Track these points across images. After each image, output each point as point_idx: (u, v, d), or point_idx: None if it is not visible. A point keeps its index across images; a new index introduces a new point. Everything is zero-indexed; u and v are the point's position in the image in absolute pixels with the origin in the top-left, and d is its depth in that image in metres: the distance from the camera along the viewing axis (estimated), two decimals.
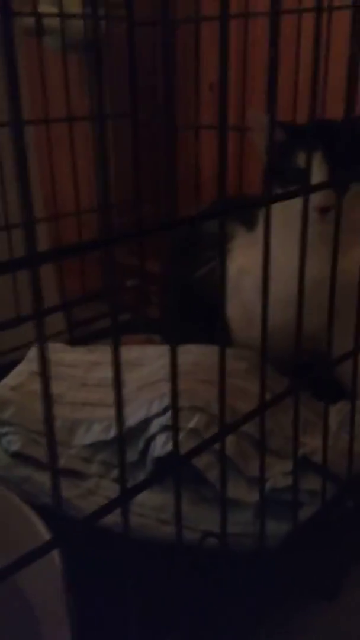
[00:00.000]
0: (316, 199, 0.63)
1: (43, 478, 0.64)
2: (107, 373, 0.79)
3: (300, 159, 0.68)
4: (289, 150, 0.68)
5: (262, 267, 0.41)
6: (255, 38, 0.90)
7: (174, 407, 0.34)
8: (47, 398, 0.28)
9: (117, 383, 0.30)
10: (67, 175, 0.96)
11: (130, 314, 1.14)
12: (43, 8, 0.94)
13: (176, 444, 0.36)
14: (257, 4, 0.88)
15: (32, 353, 0.81)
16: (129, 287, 1.12)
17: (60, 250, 0.27)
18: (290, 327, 0.54)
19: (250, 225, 0.81)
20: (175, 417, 0.35)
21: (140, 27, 0.93)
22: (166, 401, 0.63)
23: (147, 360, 0.77)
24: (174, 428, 0.36)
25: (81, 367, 0.78)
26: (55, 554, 0.50)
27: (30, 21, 0.91)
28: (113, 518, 0.58)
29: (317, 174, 0.65)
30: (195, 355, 0.73)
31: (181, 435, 0.59)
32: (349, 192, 0.64)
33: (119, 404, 0.31)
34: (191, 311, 0.83)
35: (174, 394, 0.34)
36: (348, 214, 0.48)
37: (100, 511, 0.33)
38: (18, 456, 0.66)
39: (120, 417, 0.31)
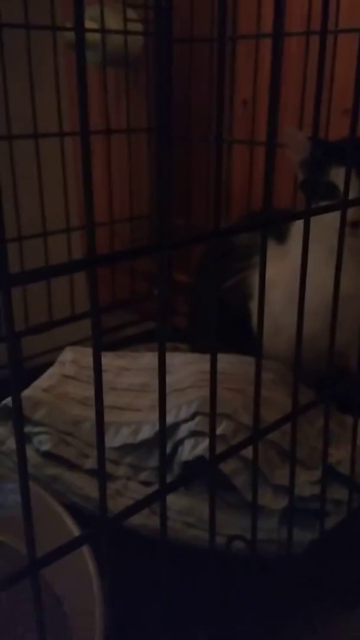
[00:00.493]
0: (350, 213, 0.64)
1: (72, 478, 0.66)
2: (136, 378, 0.81)
3: (333, 175, 0.69)
4: (321, 166, 0.70)
5: (300, 280, 0.42)
6: (289, 55, 0.92)
7: (212, 409, 0.36)
8: (99, 401, 0.29)
9: (162, 386, 0.32)
10: (102, 186, 0.99)
11: (155, 322, 1.16)
12: (85, 23, 0.97)
13: (213, 447, 0.38)
14: (291, 24, 0.90)
15: (64, 356, 0.84)
16: (157, 295, 1.14)
17: (116, 254, 0.29)
18: (317, 341, 0.55)
19: (279, 238, 0.83)
20: (212, 418, 0.36)
21: (177, 43, 0.95)
22: (194, 407, 0.65)
23: (175, 367, 0.79)
24: (210, 430, 0.37)
25: (111, 371, 0.80)
26: (85, 550, 0.52)
27: (71, 35, 0.94)
28: (140, 519, 0.60)
29: (350, 190, 0.67)
30: (223, 364, 0.74)
31: (208, 440, 0.61)
32: None
33: (162, 405, 0.32)
34: (219, 321, 0.85)
35: (213, 397, 0.36)
36: None
37: (134, 507, 0.35)
38: (48, 456, 0.68)
39: (162, 415, 0.32)
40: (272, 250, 0.84)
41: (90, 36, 0.97)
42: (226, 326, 0.88)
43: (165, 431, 0.35)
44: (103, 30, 0.93)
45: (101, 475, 0.33)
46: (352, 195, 0.69)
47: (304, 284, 0.41)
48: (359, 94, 0.37)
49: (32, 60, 0.83)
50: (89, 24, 0.97)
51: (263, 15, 0.90)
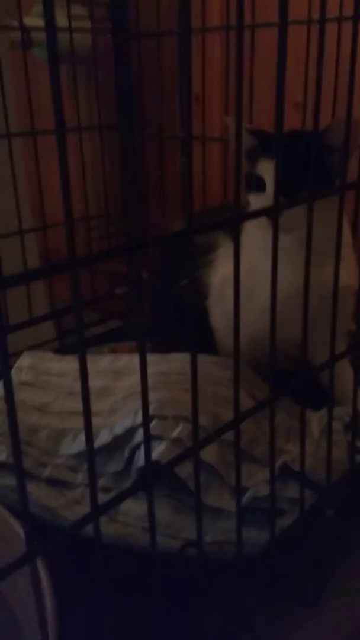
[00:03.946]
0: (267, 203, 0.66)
1: (30, 487, 0.65)
2: (95, 382, 0.80)
3: (260, 168, 0.69)
4: (254, 157, 0.70)
5: (233, 284, 0.42)
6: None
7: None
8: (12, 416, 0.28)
9: (85, 400, 0.31)
10: (56, 186, 0.97)
11: (120, 321, 1.15)
12: (30, 20, 0.95)
13: (149, 458, 0.37)
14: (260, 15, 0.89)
15: (21, 361, 0.82)
16: (119, 294, 1.13)
17: (96, 256, 0.28)
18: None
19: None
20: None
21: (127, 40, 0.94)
22: (150, 410, 0.64)
23: (134, 369, 0.78)
24: (145, 442, 0.36)
25: (69, 376, 0.79)
26: (38, 562, 0.51)
27: (17, 34, 0.92)
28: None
29: (270, 183, 0.67)
30: (181, 364, 0.74)
31: (164, 444, 0.60)
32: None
33: (88, 422, 0.32)
34: (177, 319, 0.84)
35: (145, 404, 0.35)
36: (318, 225, 0.48)
37: (73, 527, 0.34)
38: (5, 466, 0.67)
39: (89, 437, 0.32)
40: (227, 246, 0.84)
41: (37, 34, 0.95)
42: (184, 324, 0.87)
43: (93, 459, 0.34)
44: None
45: (92, 484, 0.32)
46: (270, 189, 0.68)
47: (238, 291, 0.40)
48: (281, 88, 0.36)
49: None
50: (35, 20, 0.95)
51: (208, 9, 0.89)
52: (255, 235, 0.67)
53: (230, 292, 0.79)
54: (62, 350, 1.01)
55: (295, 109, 0.85)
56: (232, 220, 0.37)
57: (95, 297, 1.09)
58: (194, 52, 0.95)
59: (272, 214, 0.42)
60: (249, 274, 0.47)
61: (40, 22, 0.94)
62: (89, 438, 0.32)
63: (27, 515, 0.31)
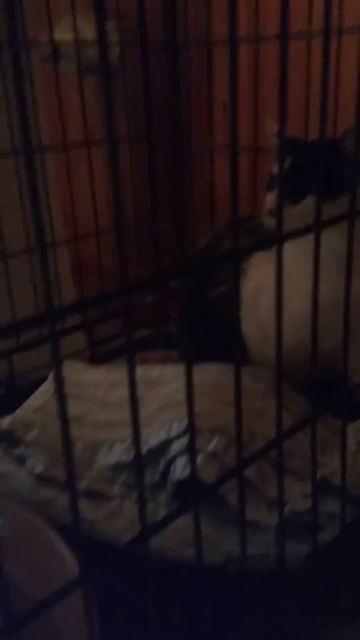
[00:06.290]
0: (267, 202, 0.68)
1: (66, 500, 0.66)
2: (128, 393, 0.80)
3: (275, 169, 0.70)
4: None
5: (275, 291, 0.41)
6: (267, 59, 0.91)
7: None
8: (64, 422, 0.29)
9: (134, 407, 0.31)
10: (87, 197, 0.98)
11: (149, 329, 1.16)
12: (59, 33, 0.96)
13: (194, 483, 0.37)
14: (267, 27, 0.89)
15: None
16: (147, 304, 1.13)
17: (79, 304, 0.28)
18: (306, 346, 0.55)
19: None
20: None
21: (153, 52, 0.94)
22: (186, 423, 0.64)
23: (167, 380, 0.78)
24: (192, 467, 0.36)
25: (102, 387, 0.80)
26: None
27: (46, 47, 0.93)
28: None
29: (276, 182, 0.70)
30: (214, 375, 0.74)
31: (200, 458, 0.60)
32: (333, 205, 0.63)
33: (136, 431, 0.32)
34: (209, 329, 0.84)
35: (191, 419, 0.35)
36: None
37: (123, 550, 0.34)
38: (42, 478, 0.68)
39: (138, 449, 0.32)
40: (260, 255, 0.84)
41: (66, 46, 0.96)
42: (217, 335, 0.87)
43: (143, 476, 0.34)
44: (77, 42, 0.91)
45: (141, 500, 0.32)
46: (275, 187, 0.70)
47: (280, 298, 0.40)
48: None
49: (5, 76, 0.82)
50: (64, 33, 0.96)
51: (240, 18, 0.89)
52: (288, 244, 0.67)
53: (263, 301, 0.80)
54: (93, 358, 1.02)
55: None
56: (277, 241, 0.37)
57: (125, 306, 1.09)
58: (222, 62, 0.95)
59: (314, 228, 0.41)
60: (283, 284, 0.47)
61: (69, 35, 0.95)
62: (139, 463, 0.32)
63: (79, 539, 0.31)
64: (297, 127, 0.88)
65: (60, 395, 0.28)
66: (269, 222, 0.72)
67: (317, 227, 0.41)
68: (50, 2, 0.89)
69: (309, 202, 0.68)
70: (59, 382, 0.28)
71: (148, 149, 1.01)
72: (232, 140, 0.34)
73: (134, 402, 0.32)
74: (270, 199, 0.73)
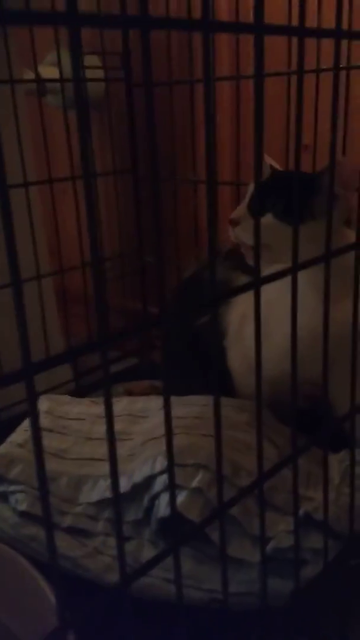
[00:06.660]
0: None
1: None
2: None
3: None
4: None
5: (254, 336, 0.42)
6: (249, 97, 0.93)
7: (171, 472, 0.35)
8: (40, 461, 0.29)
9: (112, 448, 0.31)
10: (72, 229, 0.99)
11: (135, 358, 1.16)
12: (44, 69, 0.97)
13: (176, 528, 0.37)
14: (248, 68, 0.91)
15: (39, 406, 0.83)
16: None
17: (53, 359, 0.29)
18: (289, 376, 0.54)
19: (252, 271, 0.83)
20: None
21: (138, 87, 0.96)
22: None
23: (152, 412, 0.78)
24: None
25: (87, 420, 0.79)
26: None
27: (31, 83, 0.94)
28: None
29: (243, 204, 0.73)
30: (199, 408, 0.74)
31: (184, 494, 0.60)
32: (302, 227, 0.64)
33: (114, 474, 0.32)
34: (194, 358, 0.84)
35: (170, 454, 0.35)
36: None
37: (106, 596, 0.34)
38: (26, 515, 0.67)
39: (117, 506, 0.32)
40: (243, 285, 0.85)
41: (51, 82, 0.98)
42: (201, 364, 0.88)
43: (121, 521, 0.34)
44: (62, 80, 0.93)
45: (119, 540, 0.32)
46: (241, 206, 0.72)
47: (259, 344, 0.41)
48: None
49: None
50: (49, 69, 0.98)
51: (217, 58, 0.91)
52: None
53: (247, 331, 0.80)
54: (79, 389, 1.02)
55: (304, 152, 0.87)
56: (254, 286, 0.37)
57: (110, 335, 1.09)
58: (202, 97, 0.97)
59: (291, 272, 0.42)
60: (265, 314, 0.47)
61: (53, 71, 0.96)
62: (117, 508, 0.32)
63: (60, 587, 0.31)
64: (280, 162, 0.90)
65: (37, 438, 0.28)
66: (232, 233, 0.73)
67: (294, 270, 0.42)
68: (35, 37, 0.90)
69: (268, 217, 0.70)
70: (35, 423, 0.28)
71: (133, 182, 1.02)
72: (208, 184, 0.35)
73: (112, 449, 0.32)
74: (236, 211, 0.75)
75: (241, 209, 0.73)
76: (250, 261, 0.73)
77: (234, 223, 0.72)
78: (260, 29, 0.32)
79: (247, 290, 0.39)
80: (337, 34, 0.39)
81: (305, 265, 0.42)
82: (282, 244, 0.53)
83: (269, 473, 0.44)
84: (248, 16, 0.82)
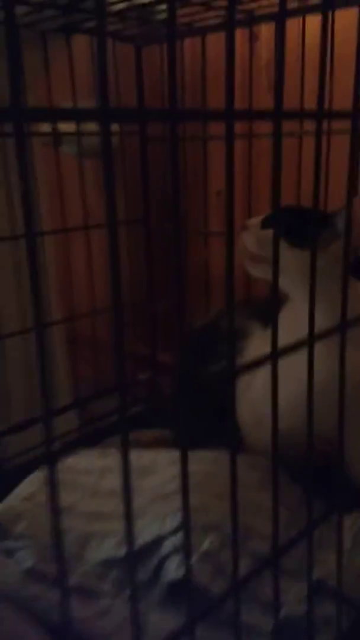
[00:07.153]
0: None
1: (56, 596, 0.64)
2: (120, 480, 0.79)
3: None
4: None
5: (271, 411, 0.41)
6: (260, 151, 0.95)
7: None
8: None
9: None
10: (84, 276, 1.00)
11: (143, 405, 1.15)
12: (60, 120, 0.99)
13: (191, 603, 0.36)
14: (260, 126, 0.94)
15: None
16: (142, 380, 1.13)
17: (74, 404, 0.28)
18: (301, 432, 0.53)
19: (266, 321, 0.83)
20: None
21: (151, 141, 0.99)
22: (179, 517, 0.63)
23: (159, 467, 0.77)
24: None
25: (94, 474, 0.78)
26: None
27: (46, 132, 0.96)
28: None
29: None
30: (209, 464, 0.73)
31: (194, 558, 0.59)
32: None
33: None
34: (205, 408, 0.83)
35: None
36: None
37: None
38: (31, 572, 0.66)
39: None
40: (258, 335, 0.84)
41: (67, 130, 1.00)
42: (211, 414, 0.87)
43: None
44: (79, 133, 0.95)
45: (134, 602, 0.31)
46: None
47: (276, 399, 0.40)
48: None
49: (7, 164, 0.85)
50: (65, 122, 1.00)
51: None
52: (283, 326, 0.68)
53: (257, 382, 0.79)
54: (85, 437, 1.01)
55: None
56: (272, 357, 0.37)
57: (119, 383, 1.09)
58: (218, 149, 0.99)
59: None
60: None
61: (69, 124, 0.98)
62: (132, 569, 0.31)
63: None
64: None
65: (53, 494, 0.28)
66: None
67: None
68: (52, 88, 0.93)
69: (269, 231, 0.72)
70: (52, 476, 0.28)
71: (145, 231, 1.03)
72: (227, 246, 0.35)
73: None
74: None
75: (257, 219, 0.76)
76: (252, 270, 0.76)
77: (244, 227, 0.75)
78: (279, 115, 0.33)
79: (264, 364, 0.39)
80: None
81: (320, 336, 0.42)
82: (281, 260, 0.52)
83: (284, 549, 0.43)
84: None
